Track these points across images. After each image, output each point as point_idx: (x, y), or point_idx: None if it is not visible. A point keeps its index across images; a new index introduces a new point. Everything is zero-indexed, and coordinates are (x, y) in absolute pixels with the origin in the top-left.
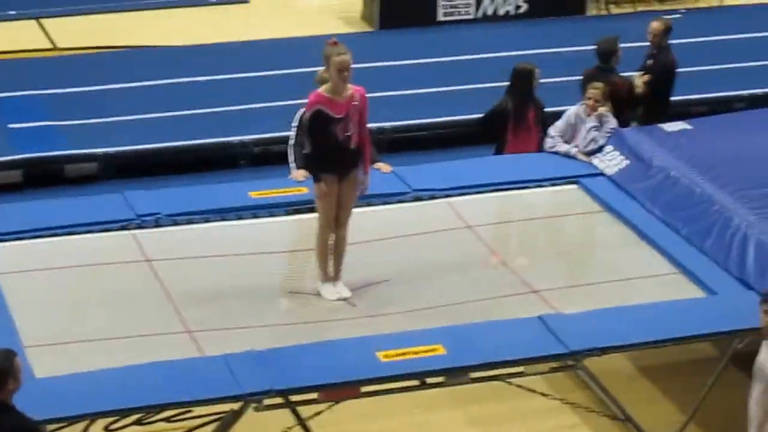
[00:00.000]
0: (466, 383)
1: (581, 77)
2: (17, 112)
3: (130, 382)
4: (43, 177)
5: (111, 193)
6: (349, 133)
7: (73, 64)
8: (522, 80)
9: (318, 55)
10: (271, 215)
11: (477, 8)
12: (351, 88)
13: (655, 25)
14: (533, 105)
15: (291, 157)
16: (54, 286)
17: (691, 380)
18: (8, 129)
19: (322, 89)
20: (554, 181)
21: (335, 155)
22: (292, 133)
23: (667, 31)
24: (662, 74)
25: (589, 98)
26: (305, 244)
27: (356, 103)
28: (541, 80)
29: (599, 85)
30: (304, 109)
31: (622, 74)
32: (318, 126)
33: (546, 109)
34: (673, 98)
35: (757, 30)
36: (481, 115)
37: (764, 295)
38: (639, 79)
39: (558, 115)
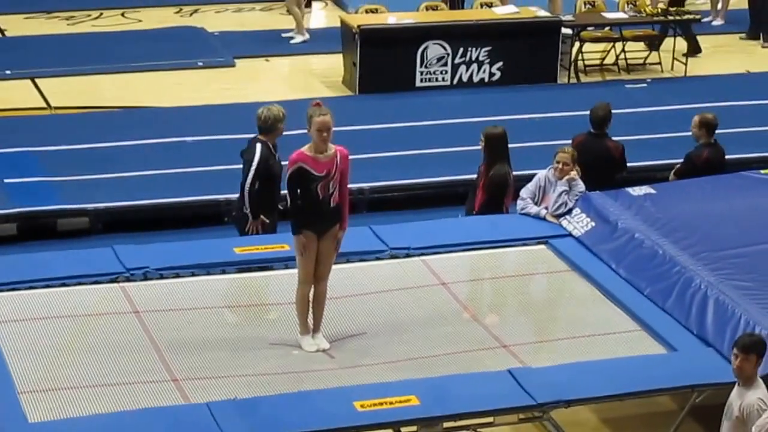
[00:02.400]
0: None
1: (571, 141)
2: (12, 167)
3: (118, 427)
4: (37, 230)
5: (101, 247)
6: (330, 192)
7: (65, 122)
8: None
9: (301, 118)
10: (254, 270)
11: (453, 75)
12: (333, 148)
13: (694, 118)
14: (485, 169)
15: (247, 201)
16: (47, 335)
17: None
18: (3, 184)
19: (305, 148)
20: (524, 241)
21: (316, 213)
22: (250, 175)
23: (703, 125)
24: (685, 165)
25: (558, 162)
26: (286, 297)
27: (338, 162)
28: (513, 145)
29: (568, 149)
30: (260, 145)
31: (614, 138)
32: (299, 183)
33: (518, 173)
34: (637, 164)
35: (720, 99)
36: None
37: (736, 341)
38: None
39: (530, 178)
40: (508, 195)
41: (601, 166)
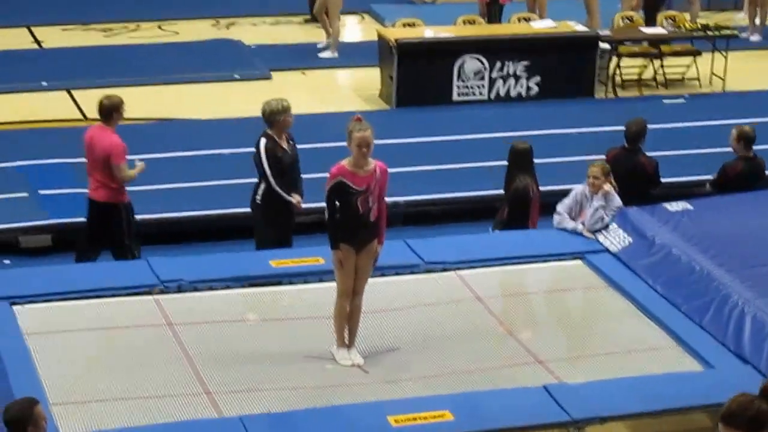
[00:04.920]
0: None
1: (605, 156)
2: (48, 179)
3: None
4: (72, 241)
5: (135, 259)
6: (369, 206)
7: None
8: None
9: (338, 131)
10: (290, 283)
11: (490, 90)
12: (373, 163)
13: (732, 131)
14: (506, 182)
15: (281, 193)
16: (80, 347)
17: None
18: (39, 195)
19: (344, 162)
20: (560, 256)
21: (355, 227)
22: (267, 171)
23: (741, 137)
24: (719, 176)
25: (588, 177)
26: (321, 311)
27: (378, 177)
28: (551, 159)
29: (598, 163)
30: (264, 139)
31: (651, 154)
32: (339, 198)
33: (555, 187)
34: (675, 180)
35: (759, 115)
36: None
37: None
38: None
39: (567, 194)
40: (534, 210)
41: (633, 181)
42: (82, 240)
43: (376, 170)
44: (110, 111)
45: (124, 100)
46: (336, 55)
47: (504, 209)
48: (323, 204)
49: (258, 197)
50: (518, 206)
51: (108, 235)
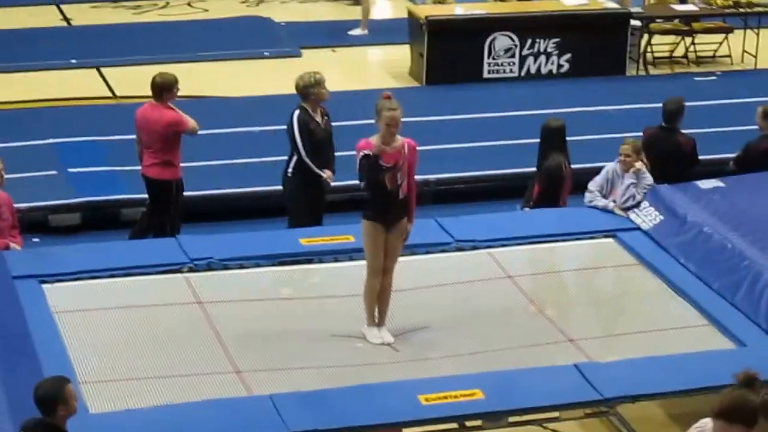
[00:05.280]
0: (504, 427)
1: (641, 135)
2: (77, 157)
3: (179, 419)
4: (101, 220)
5: (165, 237)
6: (398, 183)
7: (130, 111)
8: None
9: (367, 109)
10: (320, 261)
11: (520, 67)
12: (401, 140)
13: (759, 109)
14: (538, 160)
15: (311, 165)
16: (109, 326)
17: None
18: (68, 173)
19: (372, 138)
20: (592, 234)
21: (385, 204)
22: (299, 142)
23: (765, 115)
24: (743, 153)
25: (620, 154)
26: (351, 289)
27: (406, 153)
28: (582, 137)
29: (630, 141)
30: (298, 111)
31: (684, 132)
32: (367, 171)
33: (586, 165)
34: (706, 157)
35: None
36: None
37: None
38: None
39: (598, 171)
40: (565, 188)
41: (671, 160)
42: (144, 217)
43: (405, 147)
44: (161, 90)
45: (177, 79)
46: (366, 32)
47: (534, 187)
48: (353, 182)
49: (289, 170)
50: (550, 184)
51: (158, 210)
